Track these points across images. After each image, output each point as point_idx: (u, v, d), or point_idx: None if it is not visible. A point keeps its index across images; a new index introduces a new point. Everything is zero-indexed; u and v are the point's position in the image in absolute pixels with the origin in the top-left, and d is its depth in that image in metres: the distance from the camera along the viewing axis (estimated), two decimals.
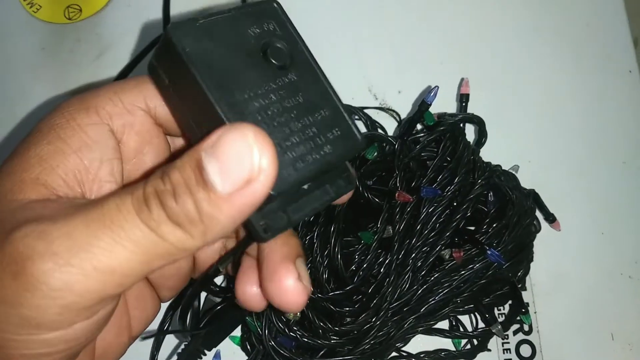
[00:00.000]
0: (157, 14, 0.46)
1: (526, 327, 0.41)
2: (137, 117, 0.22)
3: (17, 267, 0.16)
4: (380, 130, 0.43)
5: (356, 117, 0.42)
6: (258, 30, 0.21)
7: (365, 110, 0.43)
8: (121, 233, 0.16)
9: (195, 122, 0.20)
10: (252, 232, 0.20)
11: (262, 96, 0.20)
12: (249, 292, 0.23)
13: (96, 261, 0.16)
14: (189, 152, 0.17)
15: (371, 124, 0.43)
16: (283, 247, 0.22)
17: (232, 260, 0.23)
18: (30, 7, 0.47)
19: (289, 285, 0.21)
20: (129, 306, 0.24)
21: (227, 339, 0.38)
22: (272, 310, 0.34)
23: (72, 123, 0.21)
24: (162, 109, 0.22)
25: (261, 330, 0.34)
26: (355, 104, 0.44)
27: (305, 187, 0.21)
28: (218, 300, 0.37)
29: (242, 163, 0.16)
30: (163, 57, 0.20)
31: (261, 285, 0.23)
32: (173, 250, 0.17)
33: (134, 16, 0.46)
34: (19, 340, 0.17)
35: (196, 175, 0.16)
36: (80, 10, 0.47)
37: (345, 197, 0.23)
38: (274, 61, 0.21)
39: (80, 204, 0.18)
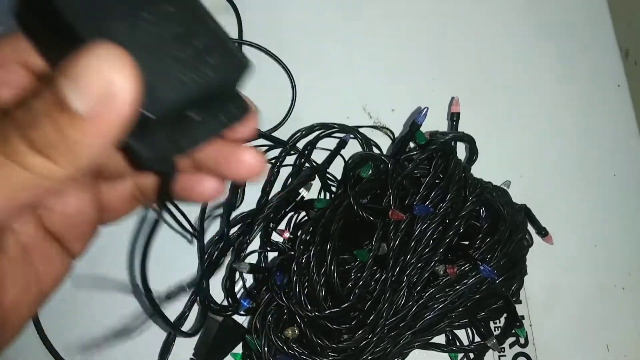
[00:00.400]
0: None
1: (522, 340, 0.42)
2: (12, 71, 0.21)
3: None
4: (374, 148, 0.44)
5: (351, 136, 0.43)
6: None
7: (360, 129, 0.44)
8: None
9: (61, 53, 0.18)
10: (137, 159, 0.19)
11: (131, 24, 0.19)
12: (208, 187, 0.23)
13: None
14: (47, 79, 0.15)
15: (366, 142, 0.44)
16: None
17: (167, 193, 0.22)
18: None
19: (249, 155, 0.22)
20: (33, 260, 0.23)
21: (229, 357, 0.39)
22: (270, 329, 0.35)
23: None
24: (37, 62, 0.21)
25: (261, 349, 0.35)
26: (350, 122, 0.45)
27: (194, 115, 0.20)
28: (220, 318, 0.38)
29: (98, 80, 0.15)
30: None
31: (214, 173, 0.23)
32: (41, 181, 0.16)
33: None
34: None
35: (54, 98, 0.15)
36: None
37: (244, 128, 0.23)
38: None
39: None
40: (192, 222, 0.37)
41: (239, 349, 0.39)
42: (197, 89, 0.19)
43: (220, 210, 0.41)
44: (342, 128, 0.44)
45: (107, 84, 0.15)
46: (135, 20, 0.18)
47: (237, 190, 0.41)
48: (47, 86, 0.15)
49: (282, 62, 0.46)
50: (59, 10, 0.17)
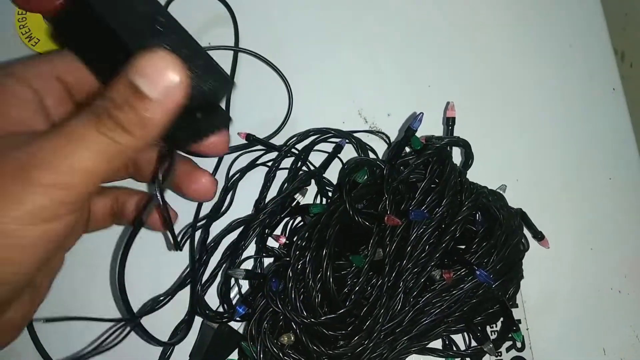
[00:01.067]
0: None
1: (519, 344, 0.42)
2: (50, 83, 0.29)
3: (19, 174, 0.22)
4: (370, 153, 0.44)
5: (346, 140, 0.43)
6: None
7: (356, 134, 0.44)
8: (87, 142, 0.22)
9: (107, 59, 0.26)
10: (177, 140, 0.27)
11: (160, 43, 0.25)
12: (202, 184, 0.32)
13: (76, 164, 0.22)
14: (119, 77, 0.22)
15: (361, 147, 0.44)
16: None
17: (171, 171, 0.29)
18: (29, 40, 0.49)
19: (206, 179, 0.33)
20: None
21: None
22: (266, 335, 0.35)
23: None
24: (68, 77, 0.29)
25: (257, 355, 0.35)
26: (346, 127, 0.45)
27: (199, 115, 0.27)
28: (215, 325, 0.38)
29: (163, 75, 0.21)
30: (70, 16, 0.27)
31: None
32: (124, 149, 0.23)
33: None
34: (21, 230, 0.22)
35: (131, 89, 0.21)
36: None
37: (223, 138, 0.30)
38: (158, 27, 0.27)
39: (41, 131, 0.24)
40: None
41: (234, 355, 0.39)
42: (207, 95, 0.26)
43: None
44: (338, 133, 0.44)
45: (170, 77, 0.21)
46: (160, 41, 0.25)
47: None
48: (121, 81, 0.22)
49: (278, 69, 0.46)
50: (113, 28, 0.25)
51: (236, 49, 0.46)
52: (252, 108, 0.45)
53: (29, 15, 0.49)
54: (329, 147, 0.44)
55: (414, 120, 0.38)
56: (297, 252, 0.36)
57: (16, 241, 0.22)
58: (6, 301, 0.26)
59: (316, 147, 0.44)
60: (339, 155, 0.43)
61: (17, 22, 0.50)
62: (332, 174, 0.43)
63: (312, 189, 0.43)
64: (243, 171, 0.43)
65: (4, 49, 0.49)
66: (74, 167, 0.22)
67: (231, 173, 0.43)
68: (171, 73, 0.21)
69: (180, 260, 0.41)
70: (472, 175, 0.41)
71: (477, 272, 0.36)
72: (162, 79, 0.21)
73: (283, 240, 0.40)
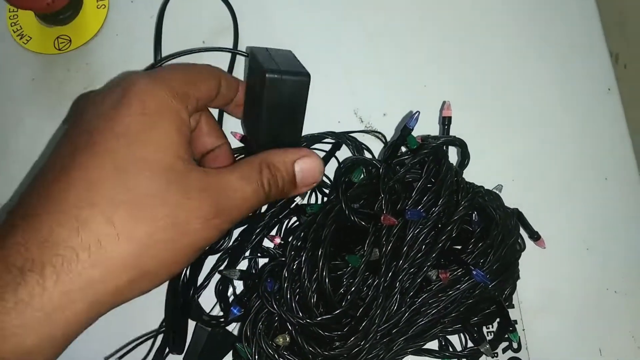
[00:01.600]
0: (145, 42, 0.47)
1: (515, 345, 0.42)
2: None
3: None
4: (366, 152, 0.44)
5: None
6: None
7: (352, 134, 0.44)
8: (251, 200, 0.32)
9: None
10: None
11: None
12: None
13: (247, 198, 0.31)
14: (286, 159, 0.34)
15: (357, 147, 0.43)
16: None
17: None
18: (20, 38, 0.48)
19: None
20: None
21: None
22: (261, 336, 0.35)
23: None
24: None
25: (251, 357, 0.34)
26: (342, 127, 0.45)
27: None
28: (208, 329, 0.37)
29: (315, 176, 0.35)
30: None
31: None
32: (264, 203, 0.34)
33: (123, 45, 0.47)
34: None
35: (290, 177, 0.34)
36: (70, 40, 0.48)
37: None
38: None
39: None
40: None
41: (229, 357, 0.39)
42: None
43: None
44: (333, 135, 0.43)
45: (316, 180, 0.36)
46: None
47: None
48: (288, 165, 0.34)
49: None
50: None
51: (234, 51, 0.46)
52: None
53: (20, 13, 0.49)
54: (323, 146, 0.44)
55: (410, 119, 0.37)
56: (293, 252, 0.36)
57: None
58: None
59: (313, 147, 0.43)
60: (335, 153, 0.43)
61: (9, 19, 0.49)
62: (328, 173, 0.43)
63: None
64: None
65: None
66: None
67: None
68: (318, 177, 0.35)
69: None
70: (469, 175, 0.41)
71: (474, 272, 0.36)
72: (313, 177, 0.35)
73: (278, 240, 0.40)
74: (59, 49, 0.48)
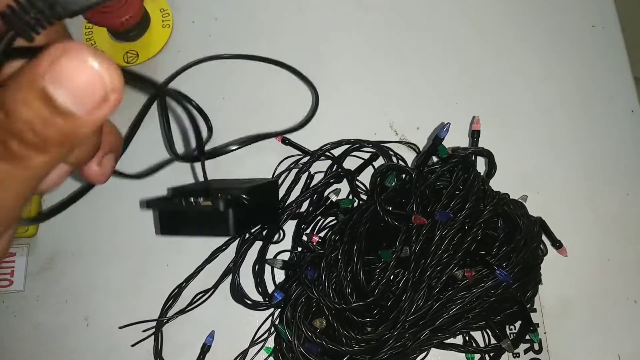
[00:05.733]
0: (202, 56, 0.52)
1: (536, 346, 0.44)
2: None
3: None
4: (400, 162, 0.48)
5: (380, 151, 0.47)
6: None
7: (387, 144, 0.48)
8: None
9: None
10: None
11: None
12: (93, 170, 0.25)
13: None
14: (27, 82, 0.16)
15: (389, 157, 0.47)
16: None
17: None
18: None
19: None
20: None
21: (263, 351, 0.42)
22: (300, 319, 0.39)
23: None
24: None
25: (291, 337, 0.38)
26: (377, 138, 0.49)
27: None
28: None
29: (95, 91, 0.16)
30: None
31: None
32: (44, 170, 0.18)
33: (184, 60, 0.53)
34: None
35: (48, 107, 0.16)
36: (138, 55, 0.54)
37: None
38: None
39: None
40: None
41: (270, 344, 0.43)
42: None
43: None
44: (368, 144, 0.47)
45: (106, 94, 0.17)
46: None
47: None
48: (31, 92, 0.16)
49: (312, 83, 0.50)
50: None
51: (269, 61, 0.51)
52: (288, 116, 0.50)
53: (95, 29, 0.55)
54: (361, 155, 0.48)
55: (442, 129, 0.41)
56: (331, 245, 0.40)
57: None
58: None
59: (350, 155, 0.48)
60: (373, 162, 0.47)
61: (85, 35, 0.55)
62: (365, 179, 0.47)
63: (345, 190, 0.47)
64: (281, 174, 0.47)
65: None
66: None
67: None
68: (107, 84, 0.17)
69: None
70: (495, 186, 0.44)
71: (497, 272, 0.39)
72: (91, 93, 0.16)
73: (316, 238, 0.44)
74: (128, 62, 0.54)
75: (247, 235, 0.45)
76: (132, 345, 0.44)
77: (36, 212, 0.47)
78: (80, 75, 0.16)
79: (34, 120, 0.16)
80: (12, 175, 0.17)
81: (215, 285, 0.45)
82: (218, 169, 0.48)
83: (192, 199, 0.36)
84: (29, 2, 0.18)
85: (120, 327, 0.44)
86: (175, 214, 0.38)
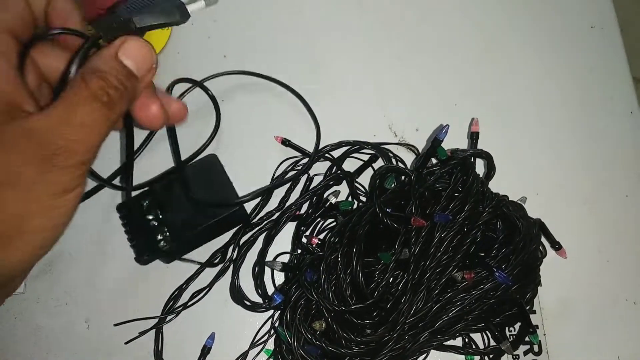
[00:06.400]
0: (202, 59, 0.52)
1: (536, 348, 0.44)
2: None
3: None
4: (399, 164, 0.48)
5: (379, 154, 0.47)
6: None
7: (387, 145, 0.48)
8: (86, 108, 0.25)
9: None
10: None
11: None
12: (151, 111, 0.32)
13: (86, 124, 0.25)
14: (109, 55, 0.26)
15: (389, 159, 0.47)
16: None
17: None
18: None
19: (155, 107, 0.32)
20: None
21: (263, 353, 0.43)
22: (300, 322, 0.39)
23: None
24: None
25: (291, 339, 0.38)
26: (377, 140, 0.49)
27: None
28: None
29: (146, 56, 0.28)
30: None
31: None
32: (121, 115, 0.27)
33: (183, 61, 0.53)
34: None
35: (124, 72, 0.27)
36: None
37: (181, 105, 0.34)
38: None
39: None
40: None
41: (270, 346, 0.43)
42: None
43: None
44: (368, 145, 0.47)
45: (151, 56, 0.28)
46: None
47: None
48: (115, 69, 0.27)
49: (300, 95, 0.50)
50: None
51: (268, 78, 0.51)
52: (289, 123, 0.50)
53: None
54: (360, 156, 0.48)
55: (440, 131, 0.41)
56: (330, 247, 0.40)
57: (55, 212, 0.26)
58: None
59: (349, 156, 0.48)
60: (372, 164, 0.47)
61: None
62: (364, 181, 0.47)
63: (344, 192, 0.47)
64: (277, 185, 0.47)
65: None
66: (82, 136, 0.25)
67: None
68: (151, 55, 0.28)
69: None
70: (495, 188, 0.44)
71: (497, 273, 0.39)
72: (149, 61, 0.28)
73: (316, 241, 0.44)
74: None
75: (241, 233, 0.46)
76: (126, 343, 0.44)
77: None
78: (139, 52, 0.27)
79: (119, 77, 0.26)
80: (105, 119, 0.26)
81: (211, 284, 0.45)
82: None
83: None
84: (115, 16, 0.30)
85: (115, 325, 0.44)
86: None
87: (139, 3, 0.30)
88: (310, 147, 0.48)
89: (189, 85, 0.51)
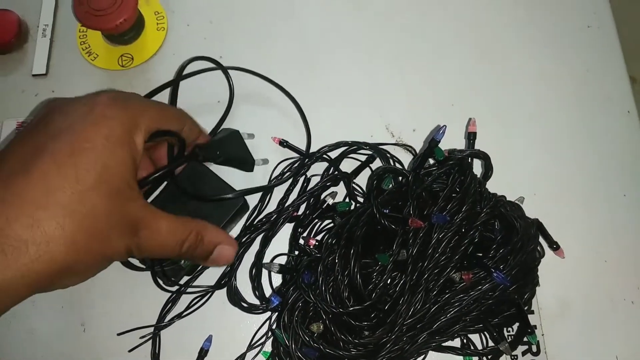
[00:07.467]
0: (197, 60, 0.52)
1: (534, 349, 0.44)
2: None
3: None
4: (397, 164, 0.48)
5: (377, 154, 0.47)
6: None
7: (384, 146, 0.48)
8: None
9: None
10: None
11: None
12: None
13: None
14: (213, 238, 0.37)
15: (387, 159, 0.47)
16: None
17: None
18: (89, 55, 0.54)
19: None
20: None
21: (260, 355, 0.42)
22: (298, 324, 0.38)
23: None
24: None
25: (288, 342, 0.38)
26: (374, 140, 0.49)
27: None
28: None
29: (225, 262, 0.39)
30: None
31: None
32: (173, 257, 0.38)
33: (179, 63, 0.53)
34: None
35: (207, 253, 0.37)
36: (132, 58, 0.53)
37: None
38: None
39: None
40: None
41: (268, 348, 0.43)
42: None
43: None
44: (367, 146, 0.47)
45: (226, 263, 0.39)
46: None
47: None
48: (208, 245, 0.37)
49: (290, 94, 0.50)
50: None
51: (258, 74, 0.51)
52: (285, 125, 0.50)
53: (89, 32, 0.55)
54: (357, 157, 0.48)
55: (438, 132, 0.41)
56: (328, 249, 0.40)
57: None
58: None
59: (347, 157, 0.48)
60: (370, 164, 0.47)
61: (79, 38, 0.55)
62: (361, 181, 0.47)
63: (341, 193, 0.46)
64: (275, 184, 0.47)
65: (66, 62, 0.54)
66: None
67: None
68: (227, 263, 0.39)
69: None
70: (493, 188, 0.44)
71: (495, 274, 0.38)
72: (222, 264, 0.39)
73: (313, 242, 0.44)
74: (123, 66, 0.53)
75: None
76: (130, 351, 0.44)
77: None
78: (227, 255, 0.38)
79: (203, 249, 0.37)
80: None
81: (213, 288, 0.45)
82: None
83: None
84: (198, 153, 0.41)
85: (118, 334, 0.44)
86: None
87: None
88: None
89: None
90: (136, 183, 0.33)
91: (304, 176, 0.47)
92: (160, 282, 0.43)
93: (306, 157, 0.47)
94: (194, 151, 0.40)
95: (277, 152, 0.48)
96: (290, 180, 0.47)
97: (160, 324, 0.43)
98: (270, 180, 0.47)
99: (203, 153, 0.41)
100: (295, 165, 0.47)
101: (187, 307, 0.44)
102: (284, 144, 0.47)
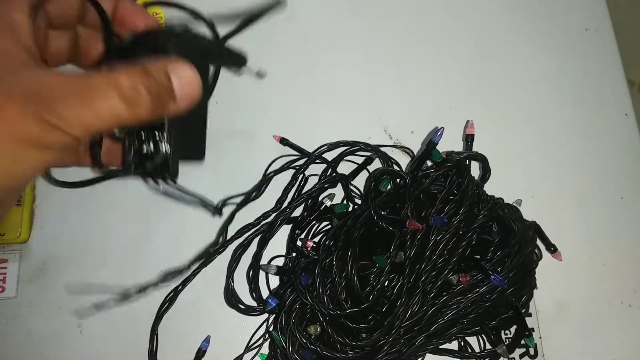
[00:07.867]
0: None
1: (532, 351, 0.44)
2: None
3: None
4: (395, 166, 0.48)
5: (375, 155, 0.47)
6: None
7: (382, 147, 0.48)
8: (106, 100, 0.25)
9: None
10: None
11: None
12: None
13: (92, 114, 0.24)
14: (158, 65, 0.26)
15: (386, 160, 0.47)
16: None
17: None
18: None
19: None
20: None
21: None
22: (295, 326, 0.38)
23: None
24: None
25: (285, 344, 0.38)
26: (372, 142, 0.49)
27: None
28: None
29: (194, 85, 0.27)
30: None
31: None
32: (127, 118, 0.25)
33: None
34: None
35: (167, 85, 0.26)
36: None
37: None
38: None
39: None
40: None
41: (265, 350, 0.43)
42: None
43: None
44: (366, 146, 0.47)
45: (196, 87, 0.27)
46: None
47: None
48: (161, 71, 0.26)
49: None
50: None
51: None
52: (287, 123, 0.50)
53: None
54: (355, 159, 0.48)
55: (435, 134, 0.41)
56: (325, 251, 0.40)
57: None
58: None
59: (344, 159, 0.48)
60: (367, 166, 0.47)
61: None
62: (359, 183, 0.47)
63: (339, 195, 0.46)
64: (277, 171, 0.47)
65: None
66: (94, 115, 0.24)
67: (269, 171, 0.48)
68: (198, 87, 0.27)
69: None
70: (491, 190, 0.44)
71: (492, 276, 0.38)
72: (192, 90, 0.27)
73: (310, 244, 0.44)
74: None
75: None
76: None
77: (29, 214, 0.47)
78: (188, 78, 0.27)
79: (158, 84, 0.26)
80: (116, 114, 0.25)
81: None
82: (213, 166, 0.48)
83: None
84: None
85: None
86: None
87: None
88: (308, 148, 0.48)
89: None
90: (27, 52, 0.25)
91: (302, 175, 0.47)
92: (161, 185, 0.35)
93: (308, 156, 0.47)
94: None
95: (278, 150, 0.48)
96: (289, 179, 0.47)
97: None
98: (265, 174, 0.47)
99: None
100: (295, 164, 0.47)
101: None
102: (284, 142, 0.47)
